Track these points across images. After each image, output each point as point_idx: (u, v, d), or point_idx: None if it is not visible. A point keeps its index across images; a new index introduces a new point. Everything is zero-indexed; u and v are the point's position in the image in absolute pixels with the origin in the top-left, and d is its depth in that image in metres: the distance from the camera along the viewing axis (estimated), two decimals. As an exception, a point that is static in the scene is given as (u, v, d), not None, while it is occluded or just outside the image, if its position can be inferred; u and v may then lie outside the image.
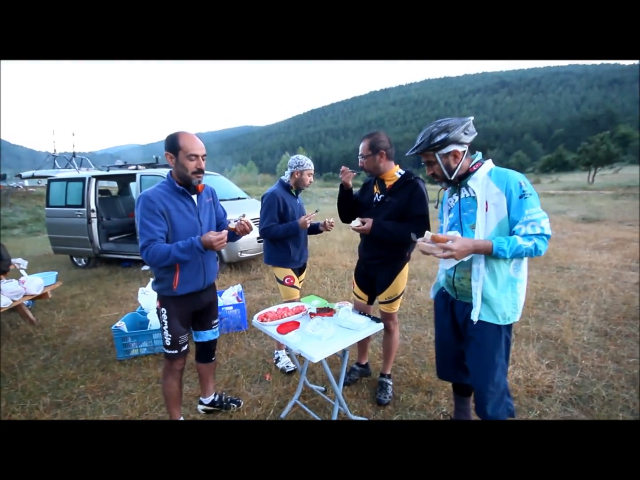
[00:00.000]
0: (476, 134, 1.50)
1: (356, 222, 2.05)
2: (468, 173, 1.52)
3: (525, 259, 1.49)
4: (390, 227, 1.99)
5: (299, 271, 2.61)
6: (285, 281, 2.50)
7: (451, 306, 1.68)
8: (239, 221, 1.83)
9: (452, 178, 1.53)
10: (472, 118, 1.49)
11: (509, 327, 1.54)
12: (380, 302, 2.24)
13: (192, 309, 1.91)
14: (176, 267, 1.75)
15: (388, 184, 2.08)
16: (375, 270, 2.21)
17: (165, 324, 1.83)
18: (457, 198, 1.58)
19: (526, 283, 1.53)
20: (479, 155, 1.56)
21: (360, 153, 2.06)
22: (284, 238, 2.44)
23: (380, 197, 2.11)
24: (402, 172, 2.09)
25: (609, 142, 36.33)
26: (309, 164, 2.44)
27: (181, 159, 1.66)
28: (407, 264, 2.20)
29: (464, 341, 1.64)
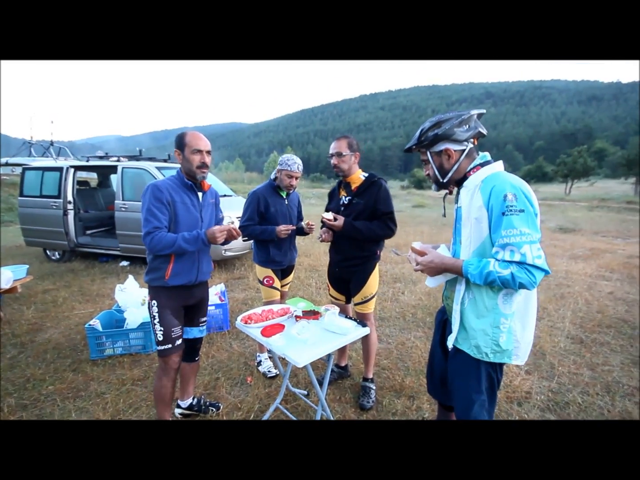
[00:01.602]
0: (478, 130, 1.29)
1: (329, 215, 2.10)
2: (465, 178, 1.31)
3: (527, 292, 1.22)
4: (361, 225, 2.07)
5: (281, 273, 2.55)
6: (265, 281, 2.47)
7: (444, 323, 1.54)
8: (228, 228, 1.83)
9: (445, 181, 1.35)
10: (474, 112, 1.27)
11: (493, 365, 1.29)
12: (356, 304, 2.26)
13: (183, 302, 1.88)
14: (171, 259, 1.77)
15: (354, 186, 2.17)
16: (350, 272, 2.24)
17: (157, 317, 1.78)
18: (456, 206, 1.41)
19: (530, 320, 1.26)
20: (484, 156, 1.31)
21: (336, 151, 2.09)
22: (261, 240, 2.41)
23: (347, 199, 2.18)
24: (366, 174, 2.18)
25: (586, 155, 37.91)
26: (290, 164, 2.33)
27: (187, 155, 1.75)
28: (377, 264, 2.25)
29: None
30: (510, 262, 1.11)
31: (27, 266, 3.97)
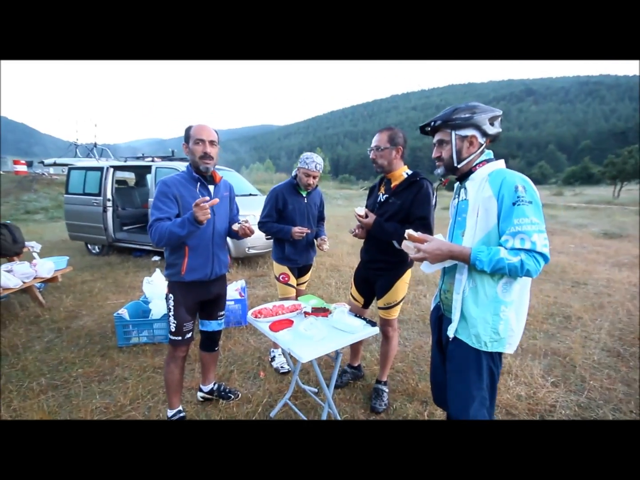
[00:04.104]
0: (500, 131, 1.35)
1: (361, 210, 2.01)
2: (471, 171, 1.35)
3: (524, 281, 1.27)
4: (390, 228, 1.93)
5: (298, 271, 2.57)
6: (280, 278, 2.50)
7: (439, 321, 1.53)
8: (241, 224, 1.89)
9: (459, 166, 1.35)
10: (501, 112, 1.33)
11: (493, 356, 1.31)
12: (380, 308, 2.17)
13: (199, 298, 1.93)
14: (185, 253, 1.80)
15: (394, 183, 2.02)
16: (375, 275, 2.14)
17: (172, 310, 1.86)
18: (456, 201, 1.44)
19: (524, 310, 1.31)
20: (488, 153, 1.35)
21: (375, 145, 1.96)
22: (278, 238, 2.43)
23: (384, 197, 2.05)
24: (410, 172, 2.02)
25: (638, 156, 34.86)
26: (308, 163, 2.31)
27: (191, 146, 1.75)
28: (409, 270, 2.12)
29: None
30: (520, 249, 1.14)
31: (68, 257, 4.30)
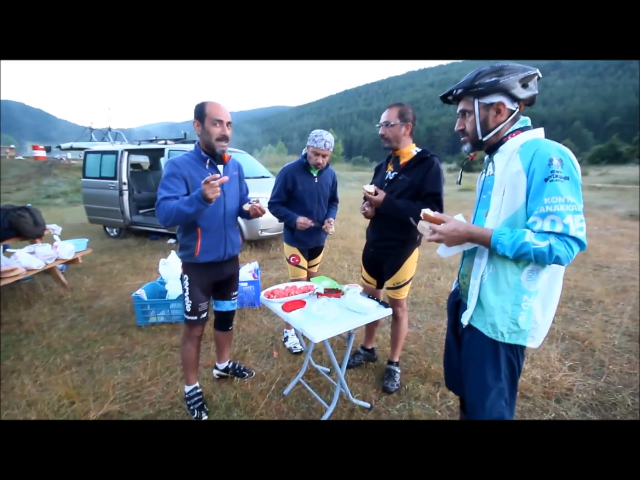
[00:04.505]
0: (536, 92, 1.15)
1: (370, 188, 1.98)
2: (501, 142, 1.17)
3: (555, 269, 1.12)
4: (402, 205, 1.90)
5: (309, 253, 2.55)
6: (291, 260, 2.49)
7: (456, 306, 1.42)
8: (252, 203, 1.87)
9: (484, 140, 1.18)
10: (537, 70, 1.11)
11: (512, 348, 1.19)
12: (388, 288, 2.17)
13: (213, 278, 1.95)
14: (198, 235, 1.80)
15: (403, 161, 1.99)
16: (384, 255, 2.12)
17: (187, 291, 1.88)
18: (483, 176, 1.28)
19: (553, 301, 1.16)
20: (524, 120, 1.17)
21: (385, 120, 1.93)
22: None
23: (393, 174, 2.02)
24: (419, 149, 1.98)
25: (672, 132, 32.75)
26: (317, 141, 2.22)
27: (207, 126, 1.68)
28: (417, 249, 2.11)
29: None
30: (550, 232, 1.00)
31: (87, 240, 4.42)
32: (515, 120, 1.17)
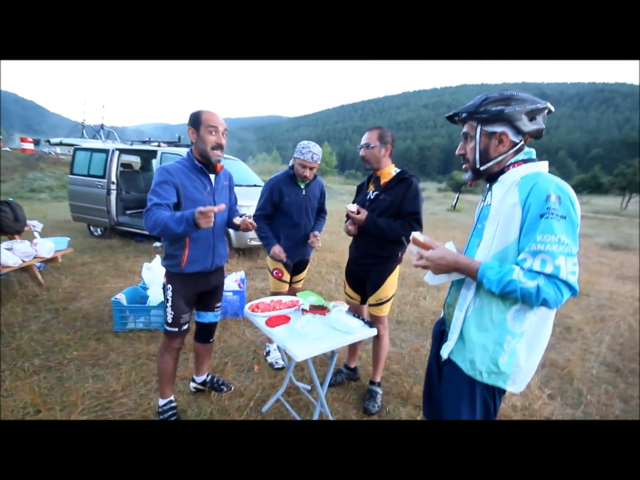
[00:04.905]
0: (543, 127, 1.10)
1: (353, 207, 2.03)
2: (502, 172, 1.13)
3: (544, 311, 1.06)
4: (383, 223, 1.97)
5: (293, 266, 2.49)
6: (274, 273, 2.45)
7: (441, 335, 1.36)
8: (244, 218, 1.85)
9: (482, 169, 1.15)
10: (547, 104, 1.07)
11: (490, 389, 1.13)
12: (370, 305, 2.18)
13: (198, 289, 1.90)
14: (186, 245, 1.75)
15: (383, 181, 2.07)
16: (366, 271, 2.15)
17: (170, 301, 1.82)
18: (481, 205, 1.23)
19: (540, 345, 1.10)
20: (529, 152, 1.12)
21: (365, 142, 2.03)
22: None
23: (374, 194, 2.09)
24: (398, 170, 2.07)
25: (650, 167, 34.41)
26: (304, 153, 2.17)
27: (202, 133, 1.67)
28: (398, 266, 2.15)
29: None
30: (539, 273, 0.95)
31: (69, 239, 4.29)
32: (519, 151, 1.13)
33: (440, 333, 1.38)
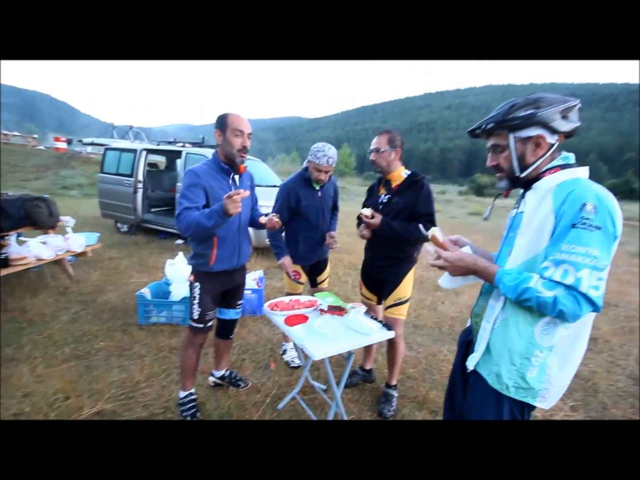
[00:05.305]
0: (579, 124, 1.06)
1: (368, 212, 2.04)
2: (537, 178, 1.07)
3: (579, 325, 1.01)
4: (398, 226, 1.99)
5: (312, 267, 2.51)
6: (292, 275, 2.42)
7: (467, 345, 1.32)
8: (270, 217, 1.90)
9: (522, 176, 1.08)
10: (578, 101, 1.03)
11: (518, 404, 1.08)
12: (387, 307, 2.17)
13: (223, 287, 1.97)
14: (214, 244, 1.82)
15: (394, 184, 2.08)
16: (382, 273, 2.17)
17: (197, 298, 1.89)
18: (514, 212, 1.18)
19: (574, 360, 1.05)
20: (567, 157, 1.07)
21: (375, 147, 2.03)
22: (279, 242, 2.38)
23: (386, 197, 2.09)
24: (409, 172, 2.06)
25: (689, 173, 32.37)
26: (319, 157, 2.12)
27: (228, 136, 1.72)
28: (413, 267, 2.16)
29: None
30: (559, 283, 0.90)
31: (99, 234, 4.50)
32: (554, 155, 1.08)
33: (466, 343, 1.34)
